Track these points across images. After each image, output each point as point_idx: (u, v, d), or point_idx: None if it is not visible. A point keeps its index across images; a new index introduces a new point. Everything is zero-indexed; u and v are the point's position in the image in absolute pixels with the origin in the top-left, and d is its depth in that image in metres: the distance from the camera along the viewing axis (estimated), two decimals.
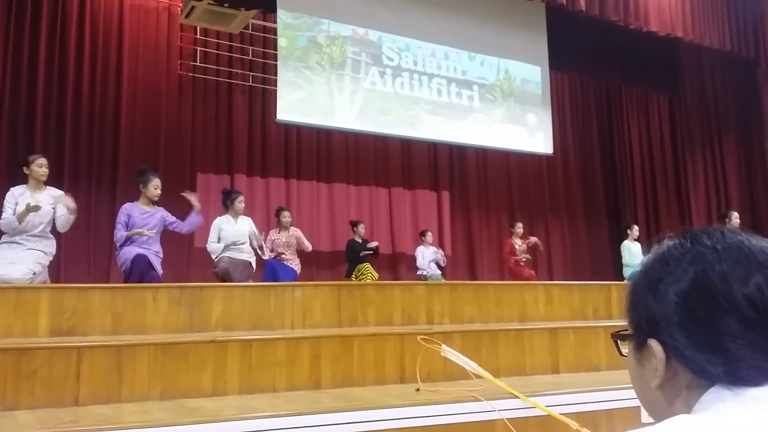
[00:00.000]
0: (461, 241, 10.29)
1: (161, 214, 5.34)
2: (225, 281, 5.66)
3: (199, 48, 8.63)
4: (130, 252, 5.01)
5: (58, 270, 6.95)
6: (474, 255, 10.32)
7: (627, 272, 8.32)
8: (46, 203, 4.78)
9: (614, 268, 9.66)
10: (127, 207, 5.27)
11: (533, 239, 8.95)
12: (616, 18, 8.70)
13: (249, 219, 6.29)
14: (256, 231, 6.24)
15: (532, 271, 8.81)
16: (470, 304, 4.80)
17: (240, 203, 6.15)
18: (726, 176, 10.70)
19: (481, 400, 3.05)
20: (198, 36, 8.63)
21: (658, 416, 0.69)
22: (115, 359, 3.09)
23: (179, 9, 8.33)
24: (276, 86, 7.80)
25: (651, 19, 8.94)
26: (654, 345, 0.71)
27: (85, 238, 7.68)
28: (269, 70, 8.73)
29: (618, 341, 0.81)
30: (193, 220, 5.49)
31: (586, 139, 11.68)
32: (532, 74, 9.57)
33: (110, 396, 3.04)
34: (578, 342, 4.17)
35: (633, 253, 8.41)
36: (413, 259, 9.01)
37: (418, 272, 8.72)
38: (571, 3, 8.28)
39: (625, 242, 8.59)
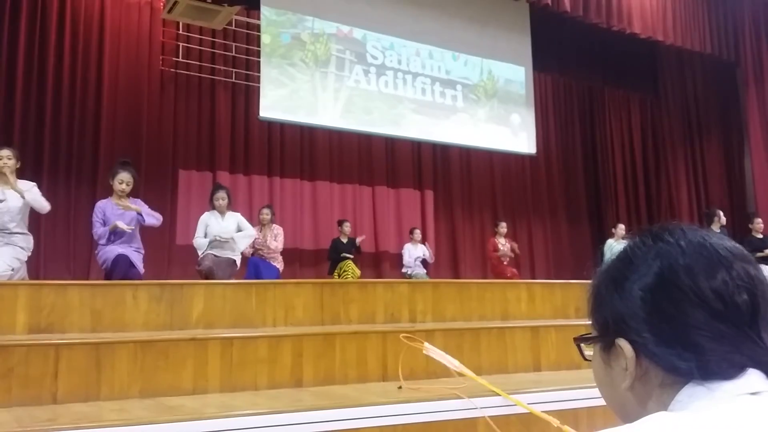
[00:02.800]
0: (444, 239, 10.31)
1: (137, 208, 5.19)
2: (209, 279, 5.62)
3: (181, 44, 8.56)
4: (111, 251, 4.93)
5: (37, 266, 6.87)
6: (457, 254, 10.34)
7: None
8: (14, 197, 4.70)
9: (596, 267, 9.73)
10: (101, 204, 5.16)
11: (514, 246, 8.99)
12: (598, 20, 8.78)
13: (237, 215, 6.11)
14: (246, 225, 6.05)
15: (515, 270, 8.85)
16: (453, 302, 4.81)
17: (218, 200, 5.97)
18: (706, 176, 10.85)
19: (463, 398, 3.06)
20: (180, 32, 8.56)
21: (629, 419, 0.68)
22: (93, 357, 3.06)
23: (161, 4, 8.25)
24: (259, 83, 7.76)
25: (633, 22, 9.04)
26: (623, 344, 0.71)
27: (65, 235, 7.60)
28: (252, 67, 8.69)
29: (581, 345, 0.80)
30: (151, 217, 5.23)
31: (569, 140, 11.75)
32: (515, 74, 9.62)
33: (89, 394, 3.01)
34: (560, 340, 4.20)
35: (615, 253, 8.41)
36: (397, 257, 9.02)
37: (403, 270, 8.73)
38: (557, 4, 8.34)
39: (609, 241, 8.65)
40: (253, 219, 7.68)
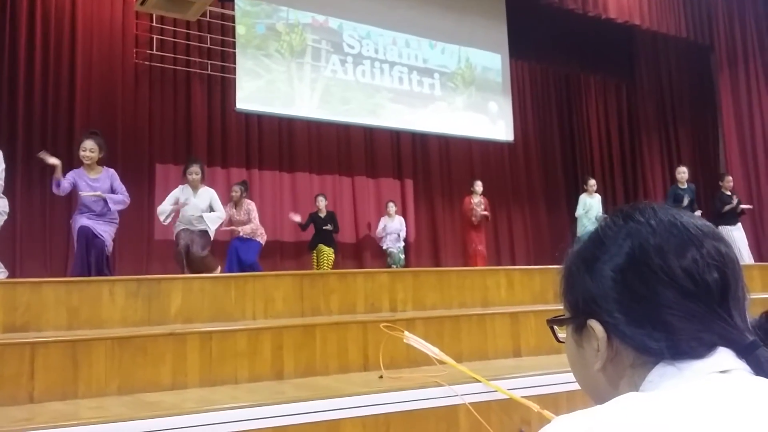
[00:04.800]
0: (425, 228, 10.33)
1: (110, 182, 5.11)
2: (188, 257, 5.67)
3: (155, 36, 8.43)
4: (79, 223, 4.93)
5: (13, 265, 6.75)
6: (438, 242, 10.36)
7: (579, 226, 8.46)
8: None
9: (568, 247, 9.82)
10: (72, 171, 5.10)
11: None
12: (574, 6, 8.81)
13: (211, 191, 6.09)
14: (218, 205, 6.05)
15: (483, 251, 8.83)
16: (433, 290, 4.82)
17: (191, 175, 5.95)
18: (681, 160, 10.96)
19: (443, 386, 3.07)
20: (154, 24, 8.43)
21: (602, 400, 0.68)
22: (70, 355, 3.02)
23: None
24: (235, 75, 7.68)
25: (609, 7, 9.08)
26: (594, 325, 0.70)
27: (41, 233, 7.48)
28: (228, 59, 8.59)
29: (554, 327, 0.80)
30: (116, 198, 5.15)
31: (547, 126, 11.81)
32: (492, 62, 9.63)
33: (66, 392, 2.97)
34: (539, 326, 4.22)
35: (588, 207, 8.52)
36: (377, 247, 9.02)
37: (382, 245, 8.76)
38: None
39: (582, 195, 8.72)
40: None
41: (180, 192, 5.96)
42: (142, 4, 7.72)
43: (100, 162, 5.20)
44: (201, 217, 5.88)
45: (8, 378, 2.90)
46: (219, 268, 6.18)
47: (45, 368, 2.96)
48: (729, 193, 8.38)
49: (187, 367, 3.22)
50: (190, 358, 3.24)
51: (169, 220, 5.92)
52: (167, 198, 5.98)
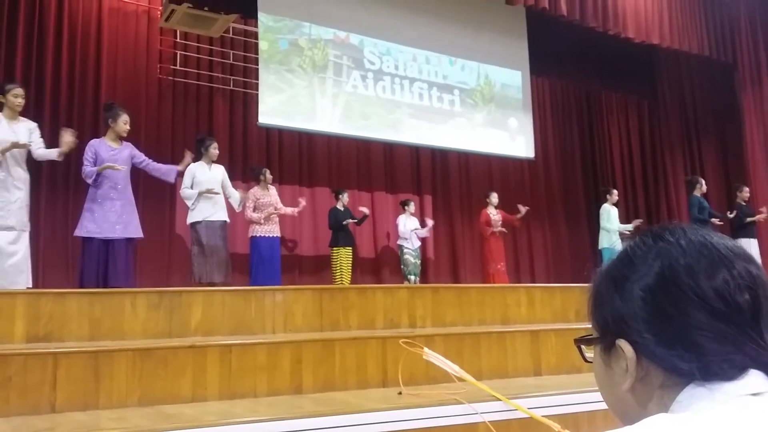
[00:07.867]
0: (444, 244, 10.30)
1: (129, 150, 5.36)
2: (212, 251, 5.83)
3: (179, 52, 8.56)
4: (89, 225, 5.08)
5: (35, 274, 6.83)
6: (457, 258, 10.33)
7: (603, 238, 8.43)
8: (22, 134, 4.87)
9: (596, 266, 9.74)
10: (94, 143, 5.30)
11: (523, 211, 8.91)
12: (595, 24, 8.79)
13: (222, 167, 6.37)
14: (227, 182, 6.32)
15: (503, 270, 8.81)
16: (453, 307, 4.80)
17: (215, 149, 6.24)
18: (705, 179, 10.83)
19: (463, 403, 3.05)
20: (178, 40, 8.57)
21: (630, 420, 0.67)
22: (92, 365, 3.05)
23: (159, 12, 8.26)
24: (257, 90, 7.76)
25: (629, 26, 9.04)
26: (623, 345, 0.70)
27: (64, 243, 7.57)
28: (250, 74, 8.69)
29: (582, 346, 0.79)
30: (167, 170, 5.51)
31: (567, 143, 11.75)
32: (512, 79, 9.63)
33: (87, 403, 3.00)
34: (560, 344, 4.18)
35: (612, 217, 8.55)
36: (396, 262, 9.00)
37: (399, 242, 8.79)
38: (554, 8, 8.35)
39: (605, 205, 8.71)
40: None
41: (195, 168, 6.12)
42: (166, 20, 7.86)
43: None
44: (218, 194, 6.05)
45: (31, 387, 2.92)
46: None
47: (67, 378, 2.99)
48: (745, 203, 8.34)
49: (206, 380, 3.23)
50: (209, 370, 3.25)
51: (196, 203, 6.05)
52: (185, 179, 6.13)
